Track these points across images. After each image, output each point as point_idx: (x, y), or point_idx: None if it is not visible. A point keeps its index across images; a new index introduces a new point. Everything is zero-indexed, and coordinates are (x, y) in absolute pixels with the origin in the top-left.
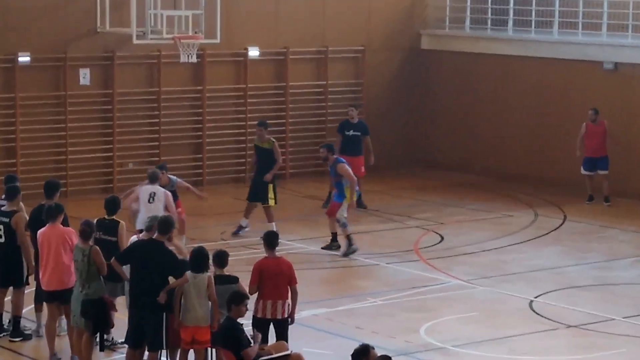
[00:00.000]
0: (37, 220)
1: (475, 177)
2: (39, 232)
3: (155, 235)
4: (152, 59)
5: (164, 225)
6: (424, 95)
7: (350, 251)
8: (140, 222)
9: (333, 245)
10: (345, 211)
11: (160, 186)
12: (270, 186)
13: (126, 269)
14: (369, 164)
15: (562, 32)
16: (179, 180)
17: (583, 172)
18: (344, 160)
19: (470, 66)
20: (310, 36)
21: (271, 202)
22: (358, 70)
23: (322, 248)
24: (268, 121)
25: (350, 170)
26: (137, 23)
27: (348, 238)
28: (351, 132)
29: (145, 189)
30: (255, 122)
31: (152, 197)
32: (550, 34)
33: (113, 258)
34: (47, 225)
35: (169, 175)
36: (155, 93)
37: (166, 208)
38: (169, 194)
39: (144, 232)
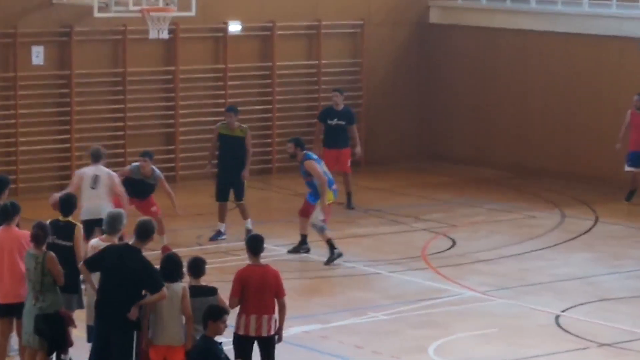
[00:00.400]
0: None
1: (493, 172)
2: None
3: (132, 241)
4: (116, 35)
5: (144, 230)
6: (432, 77)
7: (334, 257)
8: (86, 212)
9: (301, 248)
10: (321, 214)
11: (144, 176)
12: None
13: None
14: (355, 157)
15: (593, 3)
16: (162, 177)
17: (627, 168)
18: (315, 157)
19: (486, 43)
20: (300, 9)
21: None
22: (356, 49)
23: (288, 252)
24: (251, 107)
25: (319, 168)
26: None
27: (329, 243)
28: (335, 121)
29: (86, 172)
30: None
31: (94, 181)
32: (580, 5)
33: (81, 263)
34: (1, 227)
35: (153, 167)
36: (120, 74)
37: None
38: (115, 175)
39: (104, 235)
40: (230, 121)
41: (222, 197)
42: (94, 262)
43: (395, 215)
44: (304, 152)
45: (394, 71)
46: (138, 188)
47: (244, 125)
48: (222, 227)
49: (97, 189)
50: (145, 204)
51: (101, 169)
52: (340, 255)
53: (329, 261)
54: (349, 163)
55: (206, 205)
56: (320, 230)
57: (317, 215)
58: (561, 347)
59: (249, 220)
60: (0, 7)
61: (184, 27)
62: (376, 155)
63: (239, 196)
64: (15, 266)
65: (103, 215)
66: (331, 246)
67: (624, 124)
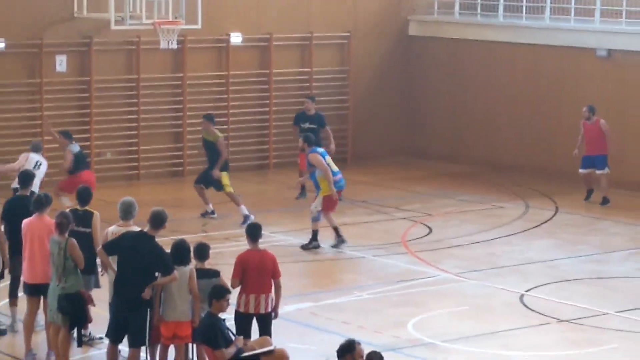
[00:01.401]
0: (12, 211)
1: (465, 167)
2: (25, 222)
3: (147, 229)
4: (130, 45)
5: (158, 219)
6: (412, 83)
7: (310, 246)
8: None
9: (340, 239)
10: (320, 204)
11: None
12: (222, 175)
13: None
14: (330, 154)
15: (554, 18)
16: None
17: (581, 171)
18: (319, 150)
19: (459, 53)
20: (294, 22)
21: (228, 189)
22: (344, 57)
23: (331, 246)
24: (251, 110)
25: (322, 160)
26: (115, 8)
27: (313, 232)
28: (307, 125)
29: (32, 157)
30: (238, 111)
31: (37, 165)
32: (542, 20)
33: (100, 247)
34: (34, 215)
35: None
36: (134, 80)
37: None
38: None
39: (120, 222)
40: (206, 127)
41: (196, 181)
42: (111, 246)
43: (379, 206)
44: (311, 147)
45: (377, 78)
46: None
47: (218, 133)
48: (209, 208)
49: (38, 171)
50: None
51: (43, 159)
52: (317, 247)
53: (306, 247)
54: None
55: (209, 196)
56: (314, 218)
57: (316, 205)
58: (525, 323)
59: (242, 206)
60: (27, 20)
61: (191, 38)
62: (362, 152)
63: (217, 189)
64: (45, 251)
65: None
66: (314, 236)
67: (580, 133)
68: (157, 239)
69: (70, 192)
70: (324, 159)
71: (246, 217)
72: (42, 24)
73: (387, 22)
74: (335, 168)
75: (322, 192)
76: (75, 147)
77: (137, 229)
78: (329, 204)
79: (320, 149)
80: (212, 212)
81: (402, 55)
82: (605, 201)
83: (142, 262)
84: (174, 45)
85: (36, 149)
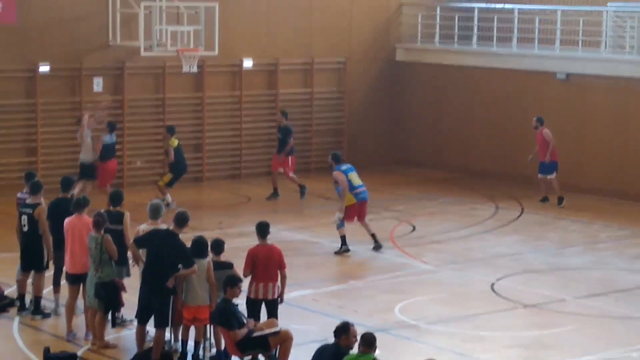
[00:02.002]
0: (55, 211)
1: (445, 174)
2: (67, 220)
3: (172, 227)
4: (157, 69)
5: (181, 219)
6: (399, 101)
7: (341, 250)
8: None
9: (377, 245)
10: (341, 213)
11: None
12: (168, 174)
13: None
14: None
15: (520, 46)
16: None
17: (539, 175)
18: (342, 168)
19: (439, 76)
20: (298, 49)
21: (160, 182)
22: (340, 80)
23: (372, 249)
24: (260, 124)
25: (342, 176)
26: (144, 37)
27: (342, 238)
28: (277, 135)
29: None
30: (249, 125)
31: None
32: (510, 47)
33: (132, 242)
34: (74, 215)
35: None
36: (161, 99)
37: None
38: None
39: (149, 221)
40: (165, 137)
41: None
42: (141, 242)
43: (370, 207)
44: (335, 164)
45: (369, 97)
46: None
47: (170, 142)
48: (168, 198)
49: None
50: None
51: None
52: (347, 250)
53: (338, 252)
54: (289, 165)
55: (225, 198)
56: (338, 226)
57: (338, 215)
58: (495, 308)
59: (168, 195)
60: (69, 48)
61: (209, 63)
62: (356, 161)
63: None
64: (84, 245)
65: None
66: (343, 241)
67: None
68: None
69: (98, 178)
70: (347, 174)
71: (169, 204)
72: (82, 50)
73: (378, 49)
74: (358, 182)
75: (345, 202)
76: (107, 138)
77: (164, 227)
78: (348, 214)
79: (345, 166)
80: (168, 204)
81: (390, 77)
82: (560, 201)
83: (167, 256)
84: (195, 69)
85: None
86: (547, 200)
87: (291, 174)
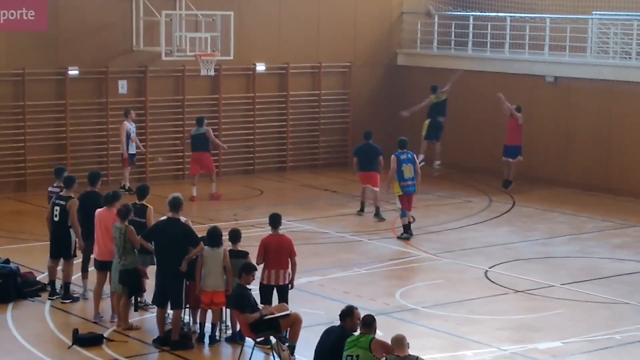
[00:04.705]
0: (85, 204)
1: (442, 169)
2: (97, 212)
3: (170, 214)
4: (177, 73)
5: (174, 204)
6: (400, 103)
7: (402, 237)
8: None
9: (406, 235)
10: (398, 202)
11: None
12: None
13: None
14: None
15: (512, 51)
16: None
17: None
18: (399, 155)
19: (437, 79)
20: (307, 54)
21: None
22: (346, 82)
23: (397, 238)
24: (272, 123)
25: (394, 163)
26: (165, 43)
27: (404, 226)
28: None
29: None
30: (262, 124)
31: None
32: (502, 52)
33: (140, 236)
34: (104, 208)
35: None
36: (180, 100)
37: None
38: None
39: (170, 213)
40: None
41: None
42: (148, 234)
43: (387, 193)
44: (399, 149)
45: (372, 98)
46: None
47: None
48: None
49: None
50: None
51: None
52: (407, 238)
53: (399, 237)
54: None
55: (239, 191)
56: (400, 215)
57: (397, 203)
58: (488, 293)
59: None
60: (96, 53)
61: (225, 67)
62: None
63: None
64: (110, 235)
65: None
66: (405, 228)
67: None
68: (196, 226)
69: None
70: (402, 164)
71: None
72: (108, 55)
73: (380, 54)
74: (409, 175)
75: (395, 190)
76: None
77: (183, 219)
78: (402, 202)
79: (405, 155)
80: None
81: (392, 80)
82: (506, 184)
83: (174, 241)
84: (212, 73)
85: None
86: (510, 183)
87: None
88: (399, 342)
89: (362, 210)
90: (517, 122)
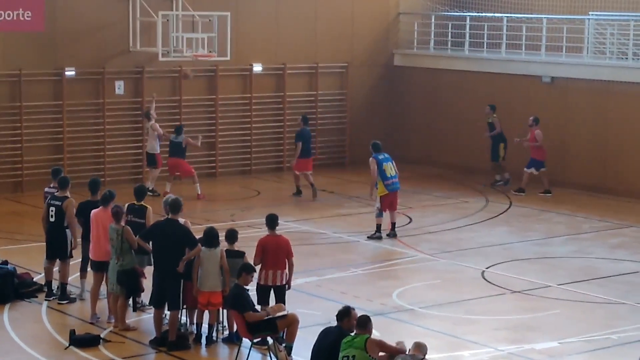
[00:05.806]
0: (85, 213)
1: (439, 170)
2: (93, 212)
3: (169, 215)
4: (174, 73)
5: (176, 206)
6: (397, 103)
7: (374, 236)
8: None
9: (392, 233)
10: (379, 202)
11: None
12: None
13: None
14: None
15: (508, 51)
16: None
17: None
18: (379, 157)
19: (434, 80)
20: (304, 55)
21: None
22: (343, 83)
23: (387, 236)
24: (269, 124)
25: (374, 165)
26: (162, 44)
27: (377, 225)
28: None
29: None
30: (259, 125)
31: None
32: (499, 53)
33: (138, 236)
34: (100, 208)
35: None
36: (177, 101)
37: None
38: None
39: (169, 215)
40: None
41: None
42: (145, 235)
43: (370, 200)
44: (373, 152)
45: (369, 98)
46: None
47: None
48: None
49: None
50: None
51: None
52: (378, 238)
53: (370, 237)
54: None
55: (236, 192)
56: (376, 215)
57: (376, 204)
58: (486, 293)
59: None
60: (92, 53)
61: (222, 67)
62: (357, 158)
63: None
64: (107, 235)
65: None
66: (377, 229)
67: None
68: (194, 226)
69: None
70: (382, 164)
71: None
72: (105, 56)
73: (377, 55)
74: (391, 173)
75: (378, 192)
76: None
77: (182, 220)
78: (382, 204)
79: (382, 156)
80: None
81: (388, 81)
82: (519, 190)
83: (172, 242)
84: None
85: (147, 115)
86: (549, 192)
87: (298, 173)
88: (419, 346)
89: (300, 192)
90: (534, 136)
